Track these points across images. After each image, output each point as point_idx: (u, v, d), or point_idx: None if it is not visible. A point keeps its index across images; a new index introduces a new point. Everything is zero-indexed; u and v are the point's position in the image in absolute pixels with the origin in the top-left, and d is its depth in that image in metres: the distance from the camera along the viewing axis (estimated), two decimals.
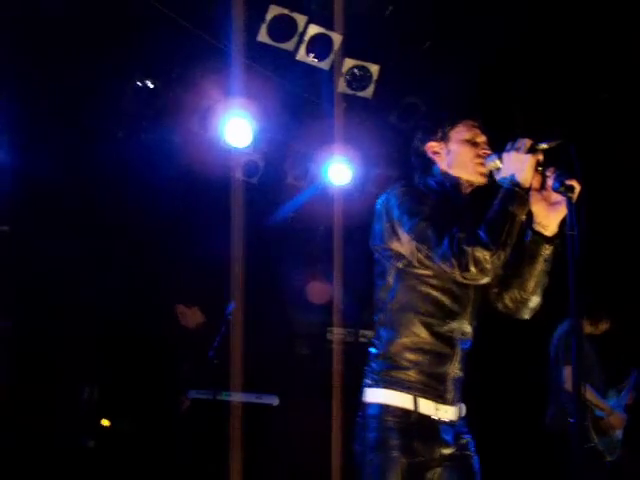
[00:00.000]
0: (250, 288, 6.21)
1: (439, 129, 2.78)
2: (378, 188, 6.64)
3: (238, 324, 5.62)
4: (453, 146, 2.74)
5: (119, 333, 6.27)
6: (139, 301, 6.40)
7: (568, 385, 5.17)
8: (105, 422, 6.06)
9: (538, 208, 2.59)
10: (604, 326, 5.56)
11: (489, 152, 2.70)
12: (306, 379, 6.45)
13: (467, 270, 2.40)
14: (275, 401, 5.83)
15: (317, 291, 6.67)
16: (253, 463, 5.36)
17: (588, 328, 5.52)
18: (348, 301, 6.60)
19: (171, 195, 6.24)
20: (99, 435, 5.93)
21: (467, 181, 2.74)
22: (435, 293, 2.58)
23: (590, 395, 5.10)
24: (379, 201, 2.67)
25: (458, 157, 2.72)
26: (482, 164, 2.69)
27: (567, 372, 5.21)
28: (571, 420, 2.25)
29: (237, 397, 5.64)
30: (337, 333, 6.73)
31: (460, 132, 2.75)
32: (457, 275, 2.44)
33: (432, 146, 2.77)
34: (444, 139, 2.76)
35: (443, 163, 2.75)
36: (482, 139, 2.75)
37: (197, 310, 6.24)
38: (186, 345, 6.13)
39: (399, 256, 2.59)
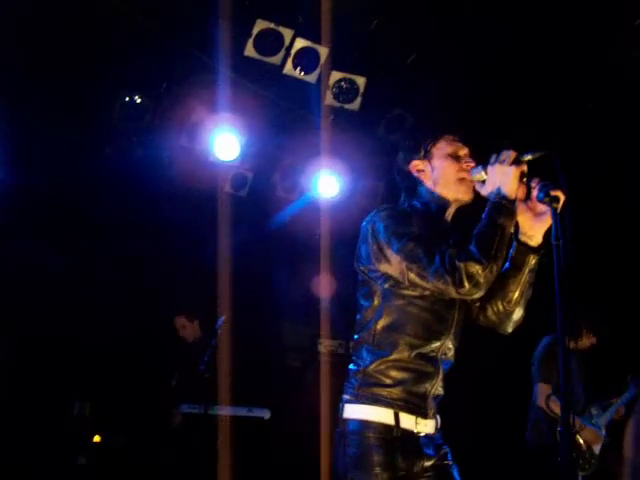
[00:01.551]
0: (240, 301, 6.21)
1: (421, 147, 2.79)
2: (366, 200, 6.67)
3: (227, 337, 5.61)
4: (436, 162, 2.75)
5: (109, 348, 6.26)
6: (129, 315, 6.39)
7: (540, 401, 5.21)
8: (96, 438, 6.03)
9: (523, 219, 2.62)
10: (587, 341, 5.52)
11: (472, 164, 2.72)
12: (297, 391, 6.45)
13: (461, 286, 2.41)
14: (266, 414, 5.82)
15: (323, 284, 6.65)
16: (245, 477, 5.34)
17: (570, 343, 5.48)
18: (337, 312, 6.60)
19: (160, 209, 6.25)
20: (90, 451, 5.90)
21: (454, 200, 2.75)
22: (421, 314, 2.59)
23: (557, 409, 5.05)
24: (364, 223, 2.68)
25: (442, 173, 2.74)
26: (466, 178, 2.71)
27: (540, 389, 5.24)
28: (559, 428, 2.27)
29: (228, 411, 5.63)
30: (327, 345, 6.73)
31: (442, 148, 2.77)
32: (452, 291, 2.44)
33: (416, 165, 2.79)
34: (427, 156, 2.77)
35: (429, 181, 2.76)
36: (464, 152, 2.77)
37: (197, 325, 6.24)
38: (180, 359, 6.12)
39: (386, 277, 2.60)
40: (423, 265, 2.47)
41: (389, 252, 2.55)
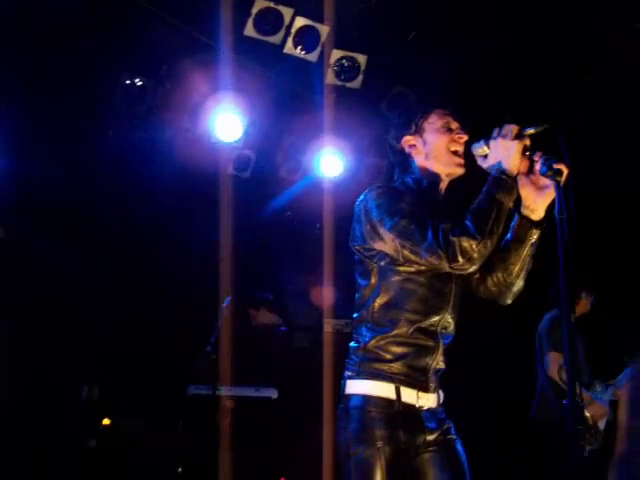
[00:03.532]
0: (246, 282, 6.23)
1: (412, 122, 2.79)
2: (370, 178, 6.66)
3: (230, 318, 5.61)
4: (428, 136, 2.76)
5: (115, 333, 6.29)
6: (132, 299, 6.41)
7: (552, 372, 5.16)
8: (105, 421, 6.07)
9: (526, 192, 2.62)
10: (585, 305, 5.50)
11: (464, 137, 2.73)
12: (305, 371, 6.47)
13: (455, 260, 2.43)
14: (274, 394, 5.84)
15: (320, 294, 6.67)
16: (252, 456, 5.38)
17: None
18: (341, 291, 6.60)
19: (164, 191, 6.25)
20: (100, 434, 5.94)
21: (445, 174, 2.76)
22: (419, 289, 2.60)
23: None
24: (357, 203, 2.69)
25: (434, 146, 2.74)
26: (458, 150, 2.72)
27: (550, 358, 5.21)
28: (564, 402, 2.26)
29: (236, 391, 5.65)
30: (333, 324, 6.75)
31: (433, 122, 2.77)
32: (445, 266, 2.46)
33: (408, 140, 2.79)
34: (418, 131, 2.78)
35: (420, 156, 2.77)
36: (455, 125, 2.77)
37: (265, 310, 6.26)
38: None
39: (382, 255, 2.61)
40: (416, 241, 2.48)
41: (382, 230, 2.56)
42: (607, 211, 6.21)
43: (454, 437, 2.66)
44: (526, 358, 5.56)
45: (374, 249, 2.63)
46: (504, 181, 2.50)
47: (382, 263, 2.62)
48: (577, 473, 2.33)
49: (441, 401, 2.70)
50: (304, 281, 7.10)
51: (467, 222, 2.45)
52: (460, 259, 2.42)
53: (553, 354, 5.20)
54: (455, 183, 2.82)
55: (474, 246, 2.42)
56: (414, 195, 2.66)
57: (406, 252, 2.52)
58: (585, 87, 5.61)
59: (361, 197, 2.69)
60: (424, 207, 2.59)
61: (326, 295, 6.60)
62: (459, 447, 2.65)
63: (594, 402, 5.26)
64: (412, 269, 2.59)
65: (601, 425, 5.30)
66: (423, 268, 2.57)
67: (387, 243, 2.57)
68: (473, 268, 2.49)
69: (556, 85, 5.56)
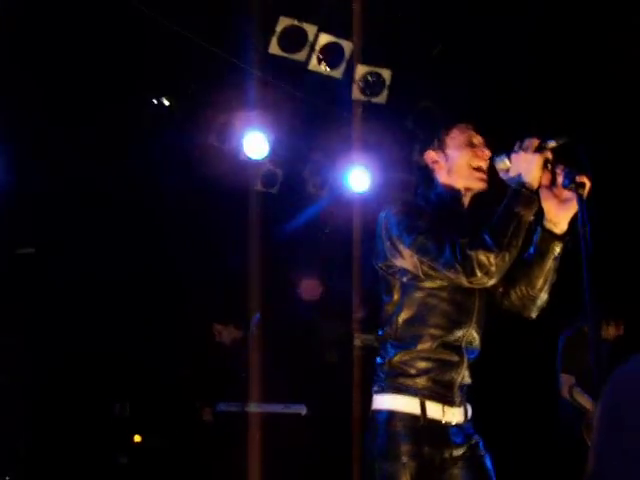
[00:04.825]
0: (274, 298, 6.24)
1: (435, 138, 2.79)
2: (397, 193, 6.64)
3: (261, 335, 5.64)
4: (450, 151, 2.75)
5: (148, 349, 6.33)
6: (161, 316, 6.45)
7: (564, 392, 5.27)
8: (137, 438, 6.11)
9: (549, 205, 2.59)
10: (613, 331, 5.50)
11: (487, 153, 2.71)
12: (334, 387, 6.45)
13: (473, 274, 2.42)
14: (303, 410, 5.82)
15: (308, 287, 6.67)
16: (282, 473, 5.36)
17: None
18: (368, 305, 6.58)
19: (192, 210, 6.30)
20: (131, 451, 5.97)
21: (466, 188, 2.74)
22: (441, 304, 2.60)
23: (581, 398, 5.14)
24: (378, 221, 2.69)
25: (456, 162, 2.73)
26: (481, 166, 2.70)
27: (563, 379, 5.35)
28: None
29: (265, 408, 5.65)
30: (363, 339, 6.72)
31: (455, 137, 2.76)
32: (463, 281, 2.45)
33: (431, 155, 2.78)
34: (441, 147, 2.77)
35: (443, 171, 2.76)
36: (478, 140, 2.76)
37: (232, 327, 6.28)
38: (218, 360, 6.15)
39: (403, 271, 2.62)
40: (433, 257, 2.49)
41: (402, 247, 2.57)
42: (631, 224, 6.10)
43: (483, 453, 2.63)
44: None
45: (395, 265, 2.63)
46: (524, 194, 2.48)
47: (404, 279, 2.63)
48: None
49: (469, 416, 2.68)
50: (332, 295, 7.08)
51: (485, 236, 2.44)
52: (478, 273, 2.41)
53: (564, 376, 5.38)
54: (484, 198, 2.81)
55: (492, 259, 2.41)
56: (435, 211, 2.66)
57: (425, 268, 2.53)
58: (609, 98, 5.55)
59: (382, 214, 2.69)
60: (445, 223, 2.59)
61: (313, 288, 6.59)
62: (488, 463, 2.62)
63: None
64: (434, 284, 2.59)
65: None
66: (445, 283, 2.57)
67: (406, 259, 2.57)
68: (492, 282, 2.48)
69: (586, 99, 5.50)
